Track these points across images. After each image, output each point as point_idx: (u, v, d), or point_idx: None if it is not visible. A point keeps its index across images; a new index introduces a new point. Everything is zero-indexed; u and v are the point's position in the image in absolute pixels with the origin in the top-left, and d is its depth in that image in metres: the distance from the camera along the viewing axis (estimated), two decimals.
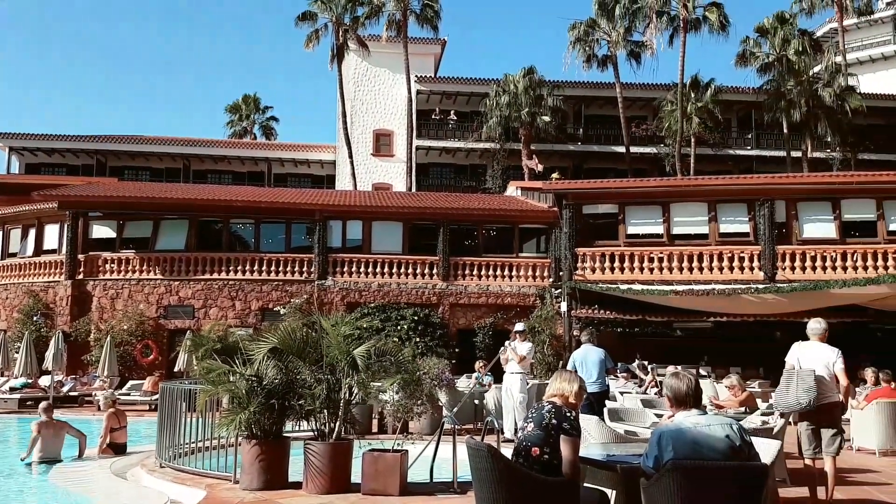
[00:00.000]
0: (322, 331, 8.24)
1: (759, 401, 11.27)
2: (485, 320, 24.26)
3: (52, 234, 25.41)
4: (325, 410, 8.05)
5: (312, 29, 36.61)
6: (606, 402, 10.69)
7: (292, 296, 24.09)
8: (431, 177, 40.35)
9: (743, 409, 9.74)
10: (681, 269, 21.96)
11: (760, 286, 19.94)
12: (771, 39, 36.83)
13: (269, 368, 8.21)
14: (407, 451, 7.97)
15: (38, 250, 25.52)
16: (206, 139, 43.06)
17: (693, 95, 35.32)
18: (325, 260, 24.48)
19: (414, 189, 36.48)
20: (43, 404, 10.86)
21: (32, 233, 25.78)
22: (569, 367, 10.94)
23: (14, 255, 26.16)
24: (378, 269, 24.57)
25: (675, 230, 22.68)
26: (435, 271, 24.67)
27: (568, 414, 4.78)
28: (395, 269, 24.60)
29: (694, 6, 34.58)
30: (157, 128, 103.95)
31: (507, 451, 9.70)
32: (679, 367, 16.05)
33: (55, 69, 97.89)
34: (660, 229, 22.71)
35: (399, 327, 22.87)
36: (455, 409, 9.98)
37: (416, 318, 23.55)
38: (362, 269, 24.53)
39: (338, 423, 8.01)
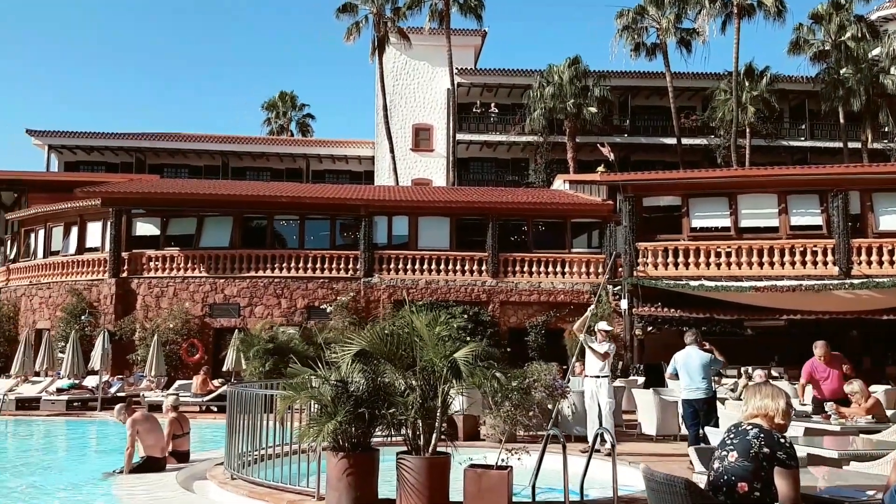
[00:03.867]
0: (414, 332, 7.40)
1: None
2: (537, 318, 23.39)
3: (94, 232, 24.97)
4: (420, 420, 7.22)
5: (353, 21, 35.90)
6: (716, 409, 9.68)
7: (338, 293, 23.42)
8: (472, 171, 39.51)
9: (869, 417, 8.75)
10: (750, 264, 20.85)
11: (851, 281, 18.71)
12: (826, 26, 35.33)
13: (356, 373, 7.40)
14: (512, 467, 7.11)
15: (81, 248, 25.10)
16: (244, 136, 42.62)
17: (748, 84, 34.00)
18: (370, 256, 23.78)
19: (455, 184, 35.63)
20: (119, 406, 10.15)
21: (75, 231, 25.37)
22: (669, 370, 10.04)
23: (56, 253, 25.78)
24: (425, 266, 23.84)
25: (743, 223, 21.56)
26: (484, 268, 23.85)
27: (781, 440, 3.88)
28: (442, 266, 23.85)
29: None
30: (195, 125, 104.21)
31: (601, 462, 8.94)
32: (760, 370, 14.99)
33: (92, 67, 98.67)
34: (727, 222, 21.60)
35: (449, 318, 22.02)
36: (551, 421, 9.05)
37: (465, 315, 22.55)
38: (409, 266, 23.83)
39: (434, 435, 7.17)
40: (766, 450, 3.83)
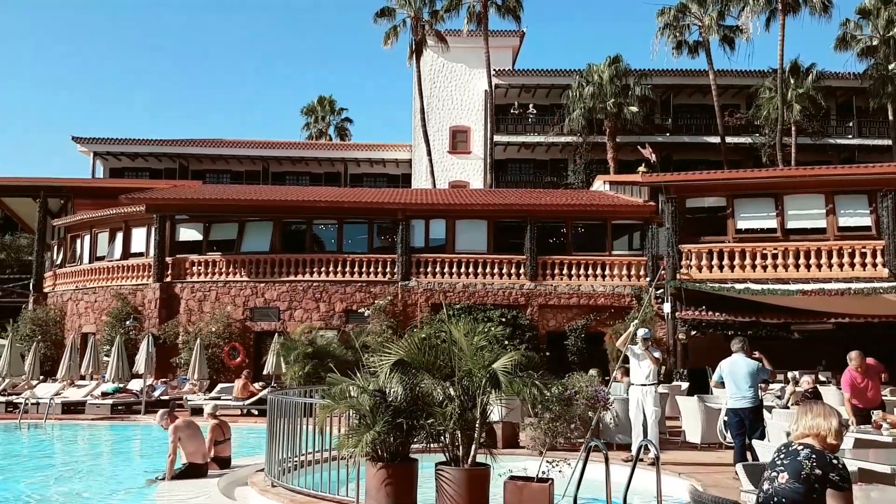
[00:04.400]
0: (452, 341, 7.31)
1: None
2: (576, 322, 23.09)
3: (139, 237, 25.41)
4: (458, 431, 7.12)
5: (391, 25, 36.03)
6: (763, 419, 9.40)
7: (376, 297, 23.44)
8: (510, 173, 39.29)
9: None
10: (797, 267, 20.32)
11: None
12: (874, 21, 34.37)
13: (394, 383, 7.34)
14: (553, 479, 6.97)
15: (126, 253, 25.54)
16: (283, 141, 43.10)
17: (793, 81, 33.21)
18: (408, 260, 23.75)
19: (492, 186, 35.47)
20: (162, 412, 10.25)
21: (120, 236, 25.83)
22: (714, 378, 9.77)
23: (102, 258, 26.28)
24: (463, 269, 23.72)
25: (790, 224, 21.02)
26: (522, 271, 23.64)
27: (834, 461, 3.70)
28: (480, 269, 23.70)
29: None
30: (236, 131, 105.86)
31: (645, 472, 8.73)
32: (807, 376, 14.56)
33: (136, 74, 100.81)
34: (773, 223, 21.08)
35: (487, 328, 21.88)
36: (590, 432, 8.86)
37: (503, 319, 22.45)
38: (446, 269, 23.73)
39: (473, 446, 7.07)
40: (817, 471, 3.65)
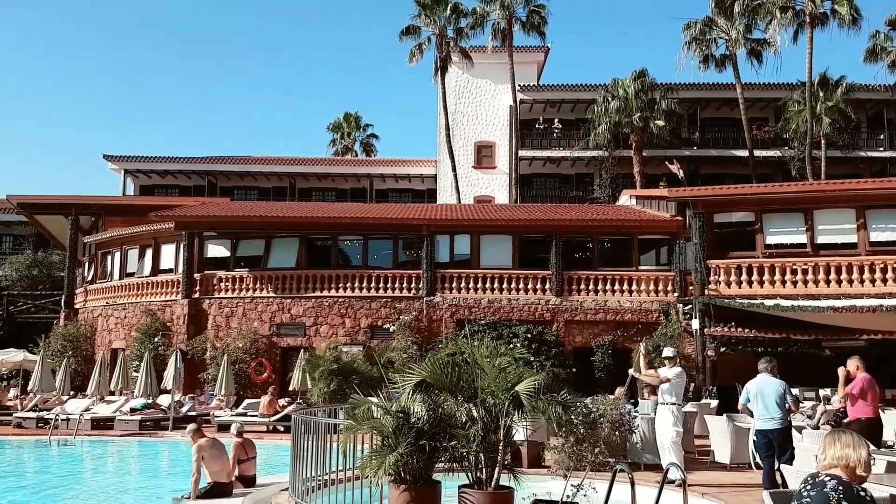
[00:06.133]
0: (475, 363, 7.27)
1: None
2: (603, 338, 22.91)
3: (168, 254, 25.73)
4: (482, 453, 7.07)
5: (416, 43, 36.29)
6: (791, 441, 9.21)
7: (401, 312, 23.47)
8: (535, 188, 39.20)
9: None
10: (827, 282, 19.98)
11: None
12: None
13: (416, 404, 7.32)
14: (578, 503, 6.89)
15: (155, 270, 25.89)
16: (310, 158, 43.51)
17: (822, 94, 32.82)
18: (433, 276, 23.76)
19: (518, 201, 35.42)
20: (191, 427, 10.32)
21: (149, 253, 26.19)
22: (741, 400, 9.59)
23: (131, 274, 26.64)
24: (488, 285, 23.67)
25: (820, 239, 20.70)
26: (547, 286, 23.53)
27: (861, 493, 3.61)
28: (505, 285, 23.63)
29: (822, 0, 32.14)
30: (264, 148, 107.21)
31: (671, 494, 8.60)
32: (839, 396, 14.22)
33: (164, 93, 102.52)
34: (802, 238, 20.78)
35: (511, 345, 21.75)
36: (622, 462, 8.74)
37: (528, 335, 22.36)
38: (471, 285, 23.70)
39: (497, 469, 7.02)
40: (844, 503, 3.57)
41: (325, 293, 23.88)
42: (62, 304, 28.87)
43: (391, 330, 23.13)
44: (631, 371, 11.81)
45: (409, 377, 7.35)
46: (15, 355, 25.33)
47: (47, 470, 14.38)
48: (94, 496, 10.94)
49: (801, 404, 10.05)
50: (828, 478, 3.73)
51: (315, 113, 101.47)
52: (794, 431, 9.52)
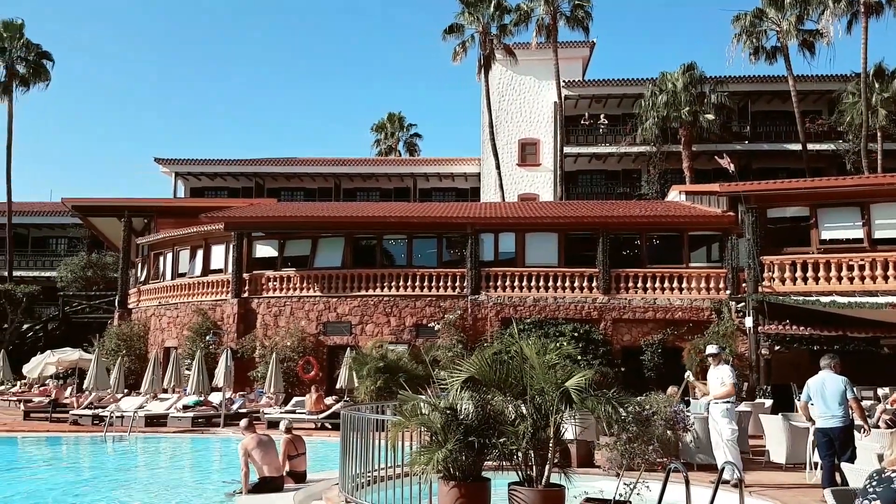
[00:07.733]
0: (523, 359, 7.18)
1: None
2: (652, 336, 22.50)
3: (218, 254, 26.15)
4: (531, 450, 6.98)
5: (459, 41, 36.31)
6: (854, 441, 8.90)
7: (445, 311, 23.42)
8: (581, 185, 38.86)
9: None
10: (885, 278, 19.36)
11: None
12: None
13: (465, 401, 7.26)
14: (630, 503, 6.75)
15: (206, 270, 26.32)
16: (354, 158, 43.90)
17: (877, 85, 31.81)
18: (477, 274, 23.65)
19: (563, 198, 35.12)
20: (244, 422, 10.47)
21: (200, 253, 26.65)
22: (802, 398, 9.31)
23: (183, 275, 27.16)
24: (533, 283, 23.44)
25: (877, 234, 20.05)
26: (595, 284, 23.19)
27: None
28: (551, 283, 23.36)
29: None
30: (309, 149, 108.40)
31: (727, 495, 8.38)
32: None
33: (214, 95, 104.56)
34: (859, 233, 20.15)
35: (559, 344, 21.51)
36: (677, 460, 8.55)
37: (575, 334, 22.07)
38: (516, 283, 23.50)
39: (547, 466, 6.91)
40: None
41: (371, 292, 23.99)
42: (116, 304, 29.60)
43: (436, 328, 23.11)
44: (688, 375, 11.54)
45: (456, 374, 7.30)
46: (71, 354, 26.05)
47: (102, 465, 14.72)
48: (149, 491, 11.15)
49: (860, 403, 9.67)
50: (894, 474, 3.57)
51: (359, 114, 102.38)
52: (855, 431, 9.18)
